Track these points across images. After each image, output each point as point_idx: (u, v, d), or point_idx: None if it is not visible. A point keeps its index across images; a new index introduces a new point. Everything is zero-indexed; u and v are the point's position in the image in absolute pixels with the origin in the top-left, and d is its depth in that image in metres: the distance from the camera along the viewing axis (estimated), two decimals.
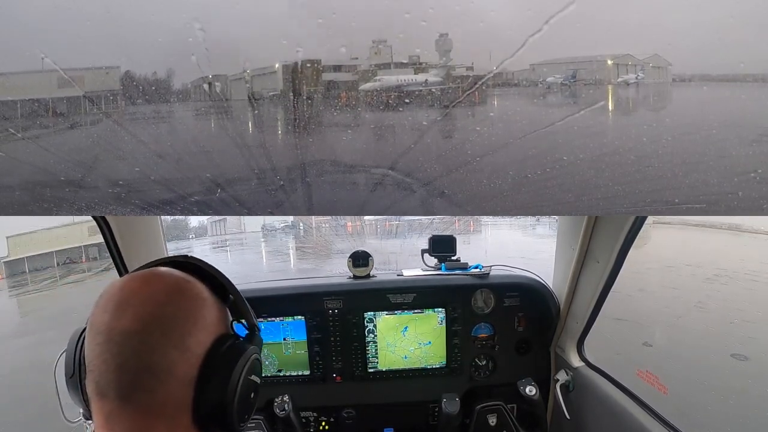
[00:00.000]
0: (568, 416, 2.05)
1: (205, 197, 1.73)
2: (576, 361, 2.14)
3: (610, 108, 2.46)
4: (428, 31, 2.02)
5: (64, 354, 0.85)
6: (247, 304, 0.87)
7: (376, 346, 2.32)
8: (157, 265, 0.83)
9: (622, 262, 1.77)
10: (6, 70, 2.08)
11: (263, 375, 2.55)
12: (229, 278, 0.87)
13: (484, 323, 2.35)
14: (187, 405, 0.73)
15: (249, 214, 1.77)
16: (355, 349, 2.31)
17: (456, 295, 2.32)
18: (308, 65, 2.16)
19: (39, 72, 2.10)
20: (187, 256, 0.87)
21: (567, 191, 1.69)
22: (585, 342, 2.14)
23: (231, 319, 0.84)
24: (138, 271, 0.80)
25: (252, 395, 0.81)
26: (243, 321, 0.86)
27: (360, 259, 2.37)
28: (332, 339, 2.31)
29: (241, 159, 2.04)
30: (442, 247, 2.40)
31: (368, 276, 2.38)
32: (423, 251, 2.42)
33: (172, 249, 2.73)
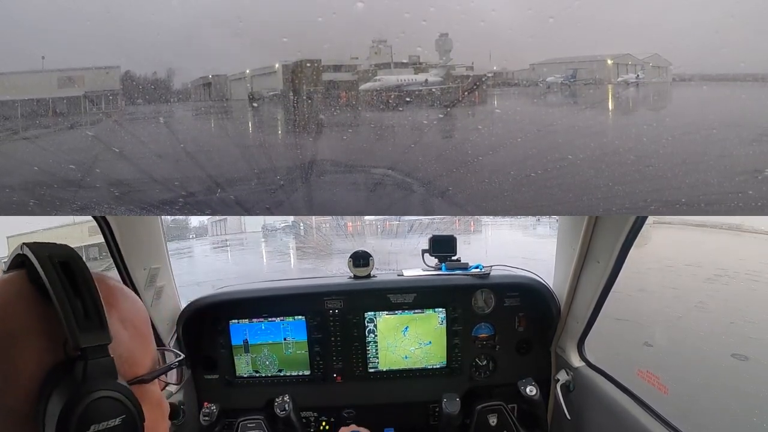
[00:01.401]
0: (568, 416, 2.05)
1: (205, 197, 1.73)
2: (576, 361, 2.14)
3: (610, 108, 2.46)
4: (428, 31, 2.02)
5: None
6: (86, 305, 0.63)
7: (376, 346, 2.32)
8: (5, 272, 0.67)
9: (623, 262, 1.76)
10: (6, 70, 2.08)
11: (264, 375, 2.51)
12: (79, 265, 0.64)
13: (485, 323, 2.35)
14: None
15: (249, 214, 1.77)
16: (356, 349, 2.31)
17: (456, 295, 2.32)
18: (308, 65, 2.16)
19: (39, 72, 2.11)
20: (23, 245, 0.66)
21: (567, 191, 1.70)
22: (585, 342, 2.14)
23: (70, 334, 0.61)
24: None
25: None
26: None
27: (360, 259, 2.37)
28: (333, 339, 2.30)
29: (241, 159, 2.04)
30: (442, 247, 2.40)
31: (369, 276, 2.37)
32: (423, 251, 2.41)
33: (173, 249, 2.74)
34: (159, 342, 0.80)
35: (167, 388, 0.76)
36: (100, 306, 0.64)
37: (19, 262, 0.67)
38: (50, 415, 0.58)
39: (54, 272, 0.62)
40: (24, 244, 0.66)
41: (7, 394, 0.58)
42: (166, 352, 0.81)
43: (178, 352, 0.83)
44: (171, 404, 0.76)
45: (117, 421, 0.61)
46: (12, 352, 0.59)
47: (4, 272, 0.68)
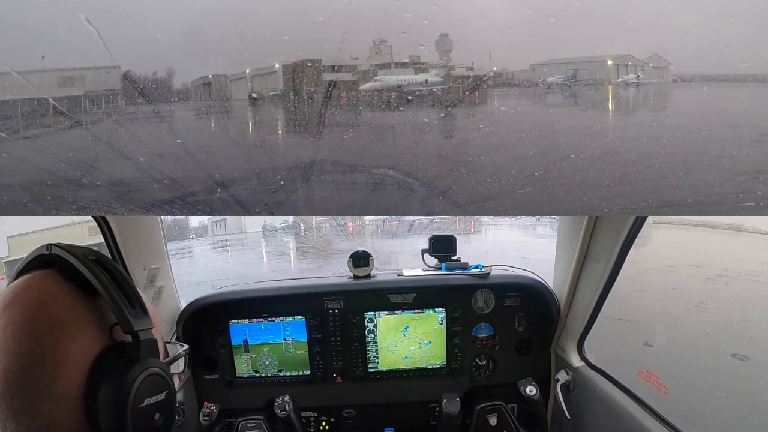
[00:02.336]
0: (568, 416, 2.05)
1: (206, 197, 1.73)
2: (576, 361, 2.14)
3: (610, 108, 2.47)
4: (429, 30, 2.02)
5: None
6: (128, 295, 0.69)
7: (376, 346, 2.32)
8: (23, 270, 0.71)
9: (623, 262, 1.76)
10: (6, 70, 2.08)
11: (264, 375, 2.52)
12: (109, 263, 0.70)
13: (485, 323, 2.35)
14: None
15: (249, 213, 1.77)
16: (356, 349, 2.31)
17: (456, 295, 2.32)
18: (308, 65, 2.16)
19: (39, 72, 2.11)
20: (50, 246, 0.70)
21: (567, 191, 1.70)
22: (585, 342, 2.14)
23: (113, 321, 0.68)
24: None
25: (158, 415, 0.69)
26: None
27: (360, 259, 2.37)
28: (332, 339, 2.31)
29: (241, 159, 2.04)
30: (442, 247, 2.40)
31: (368, 276, 2.38)
32: (423, 251, 2.42)
33: (173, 249, 2.73)
34: None
35: None
36: (139, 296, 0.71)
37: (43, 261, 0.71)
38: (105, 394, 0.64)
39: (95, 268, 0.68)
40: (52, 245, 0.70)
41: (58, 380, 0.63)
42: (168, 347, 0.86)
43: (183, 344, 0.90)
44: None
45: (162, 395, 0.70)
46: (62, 341, 0.64)
47: (19, 272, 0.71)
